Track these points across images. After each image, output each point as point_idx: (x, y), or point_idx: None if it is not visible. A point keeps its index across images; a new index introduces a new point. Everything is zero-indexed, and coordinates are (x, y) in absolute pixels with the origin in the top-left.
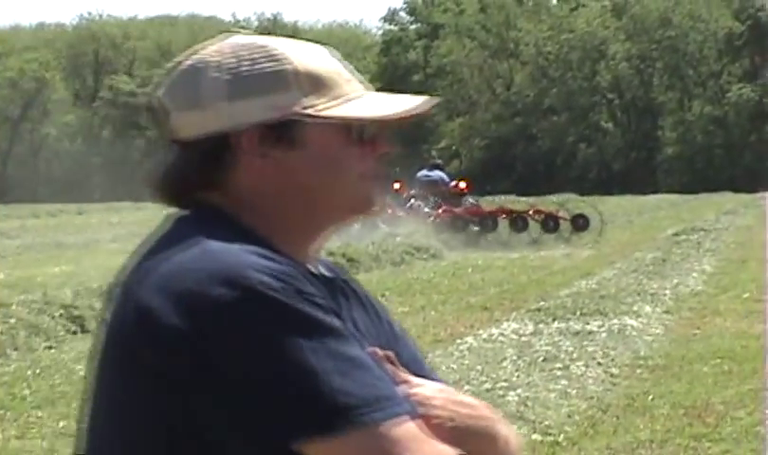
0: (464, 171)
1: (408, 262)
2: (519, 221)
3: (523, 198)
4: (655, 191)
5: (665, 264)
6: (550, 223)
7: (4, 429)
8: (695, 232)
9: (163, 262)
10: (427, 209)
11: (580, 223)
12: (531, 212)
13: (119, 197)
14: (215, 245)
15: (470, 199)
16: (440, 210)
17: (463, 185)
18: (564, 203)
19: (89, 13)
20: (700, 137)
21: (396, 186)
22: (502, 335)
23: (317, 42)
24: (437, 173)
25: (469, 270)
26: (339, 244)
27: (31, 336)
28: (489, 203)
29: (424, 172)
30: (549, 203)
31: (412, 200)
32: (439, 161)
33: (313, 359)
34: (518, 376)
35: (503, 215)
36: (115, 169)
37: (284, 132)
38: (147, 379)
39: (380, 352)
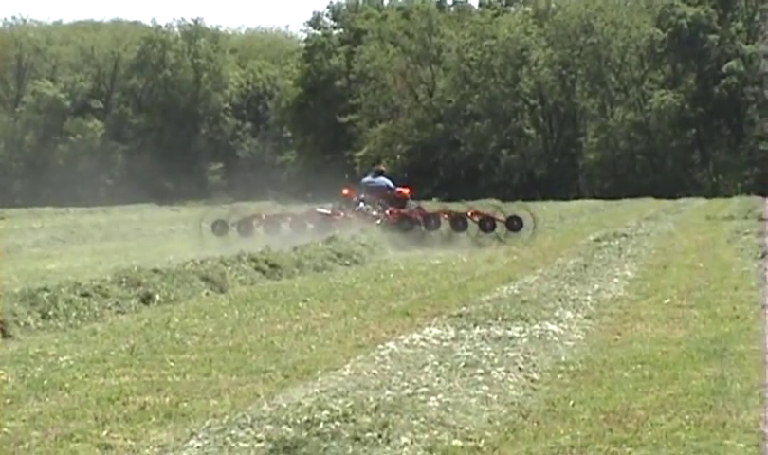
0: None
1: (330, 267)
2: (459, 221)
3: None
4: (577, 197)
5: (586, 270)
6: (487, 223)
7: None
8: (617, 238)
9: None
10: (375, 213)
11: (514, 224)
12: (470, 214)
13: (42, 202)
14: None
15: (413, 203)
16: (388, 212)
17: (406, 190)
18: (500, 206)
19: (13, 18)
20: (622, 143)
21: (345, 191)
22: (423, 340)
23: (239, 47)
24: (382, 180)
25: (391, 275)
26: (262, 249)
27: None
28: (431, 206)
29: (368, 178)
30: (486, 205)
31: (361, 204)
32: (382, 168)
33: None
34: (439, 382)
35: (446, 216)
36: (37, 174)
37: None
38: None
39: None
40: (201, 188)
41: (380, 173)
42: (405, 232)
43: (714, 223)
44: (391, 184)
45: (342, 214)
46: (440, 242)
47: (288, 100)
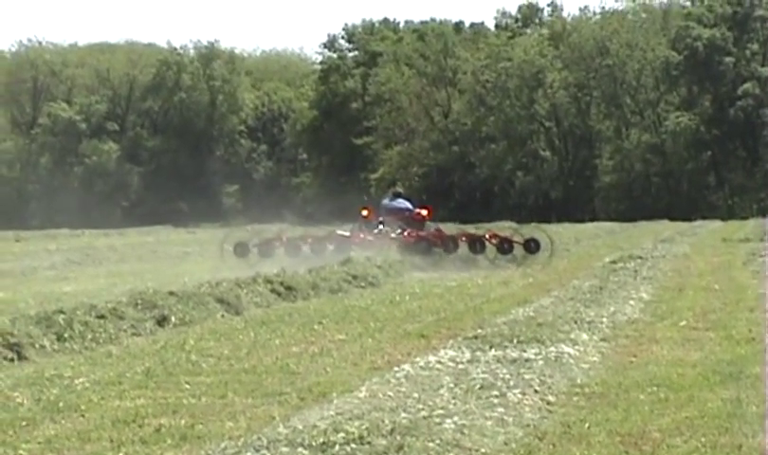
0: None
1: (345, 289)
2: (477, 244)
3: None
4: (593, 219)
5: (602, 292)
6: (505, 245)
7: None
8: (632, 260)
9: None
10: (393, 235)
11: (532, 246)
12: (488, 236)
13: (57, 224)
14: None
15: (432, 225)
16: (406, 233)
17: (425, 212)
18: (518, 229)
19: (28, 40)
20: (637, 166)
21: (365, 213)
22: (438, 362)
23: (254, 69)
24: (401, 201)
25: (407, 298)
26: (277, 271)
27: None
28: (449, 228)
29: (387, 200)
30: (502, 228)
31: (381, 226)
32: (400, 190)
33: None
34: (454, 404)
35: (464, 238)
36: (53, 196)
37: None
38: None
39: None
40: (216, 210)
41: (399, 195)
42: (423, 254)
43: (730, 245)
44: (410, 205)
45: (362, 236)
46: (458, 264)
47: (303, 122)
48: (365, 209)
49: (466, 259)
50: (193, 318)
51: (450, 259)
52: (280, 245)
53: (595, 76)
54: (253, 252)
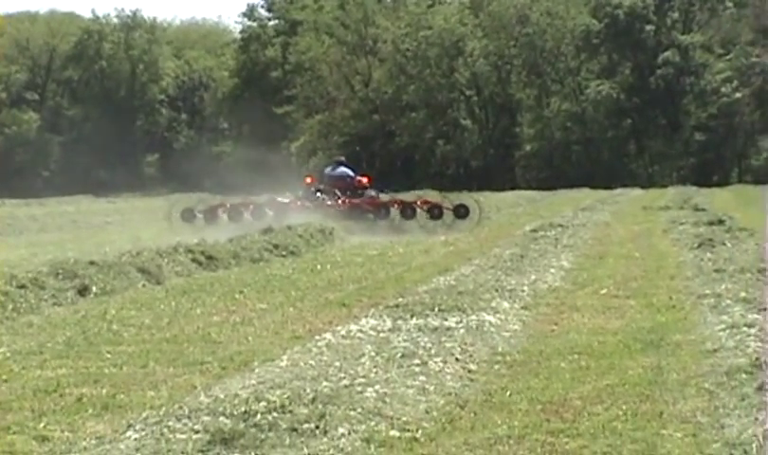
0: (319, 167)
1: (266, 259)
2: (408, 210)
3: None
4: (513, 188)
5: (522, 261)
6: (435, 211)
7: None
8: (553, 228)
9: None
10: (329, 202)
11: (461, 211)
12: (419, 203)
13: None
14: None
15: (371, 192)
16: (340, 201)
17: (365, 180)
18: (447, 195)
19: None
20: (558, 134)
21: (308, 180)
22: (360, 331)
23: (175, 38)
24: (342, 170)
25: (328, 267)
26: (197, 241)
27: None
28: (384, 195)
29: (329, 169)
30: (435, 195)
31: (318, 193)
32: (342, 158)
33: None
34: (376, 372)
35: (396, 205)
36: None
37: None
38: None
39: None
40: (137, 179)
41: (341, 163)
42: (356, 220)
43: (650, 213)
44: (351, 173)
45: (299, 203)
46: (390, 229)
47: (224, 91)
48: (309, 176)
49: (398, 224)
50: (114, 288)
51: (382, 224)
52: (223, 211)
53: (516, 44)
54: (199, 218)
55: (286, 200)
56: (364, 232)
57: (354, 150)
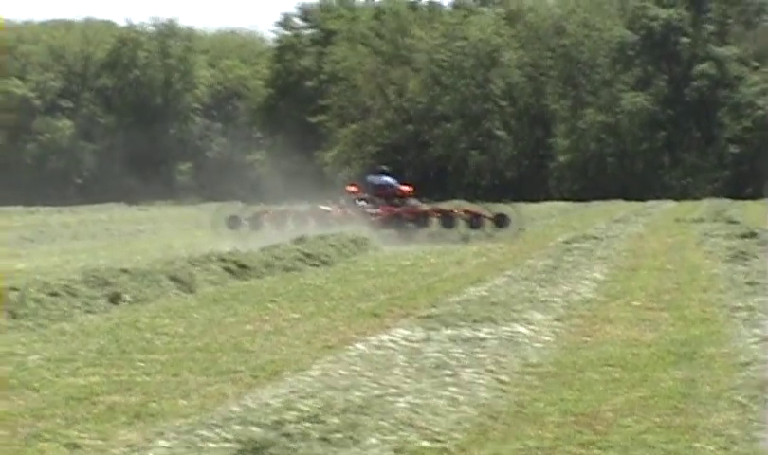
0: (353, 177)
1: (299, 268)
2: (448, 219)
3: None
4: (547, 199)
5: (555, 272)
6: (475, 220)
7: None
8: (586, 240)
9: None
10: (370, 211)
11: (501, 221)
12: (459, 211)
13: (10, 201)
14: None
15: (413, 201)
16: (380, 209)
17: (407, 189)
18: (487, 205)
19: None
20: (592, 145)
21: (351, 188)
22: (392, 341)
23: (210, 47)
24: (385, 179)
25: (360, 276)
26: (230, 250)
27: None
28: (425, 204)
29: (371, 177)
30: (471, 205)
31: (359, 202)
32: (385, 168)
33: None
34: (407, 383)
35: (436, 214)
36: (6, 173)
37: None
38: None
39: None
40: (169, 188)
41: (384, 173)
42: (397, 229)
43: (683, 225)
44: (392, 182)
45: (341, 211)
46: (428, 238)
47: (258, 100)
48: (352, 185)
49: (438, 233)
50: (147, 296)
51: (422, 233)
52: (267, 218)
53: (551, 56)
54: (244, 225)
55: (329, 208)
56: (400, 241)
57: (388, 159)
